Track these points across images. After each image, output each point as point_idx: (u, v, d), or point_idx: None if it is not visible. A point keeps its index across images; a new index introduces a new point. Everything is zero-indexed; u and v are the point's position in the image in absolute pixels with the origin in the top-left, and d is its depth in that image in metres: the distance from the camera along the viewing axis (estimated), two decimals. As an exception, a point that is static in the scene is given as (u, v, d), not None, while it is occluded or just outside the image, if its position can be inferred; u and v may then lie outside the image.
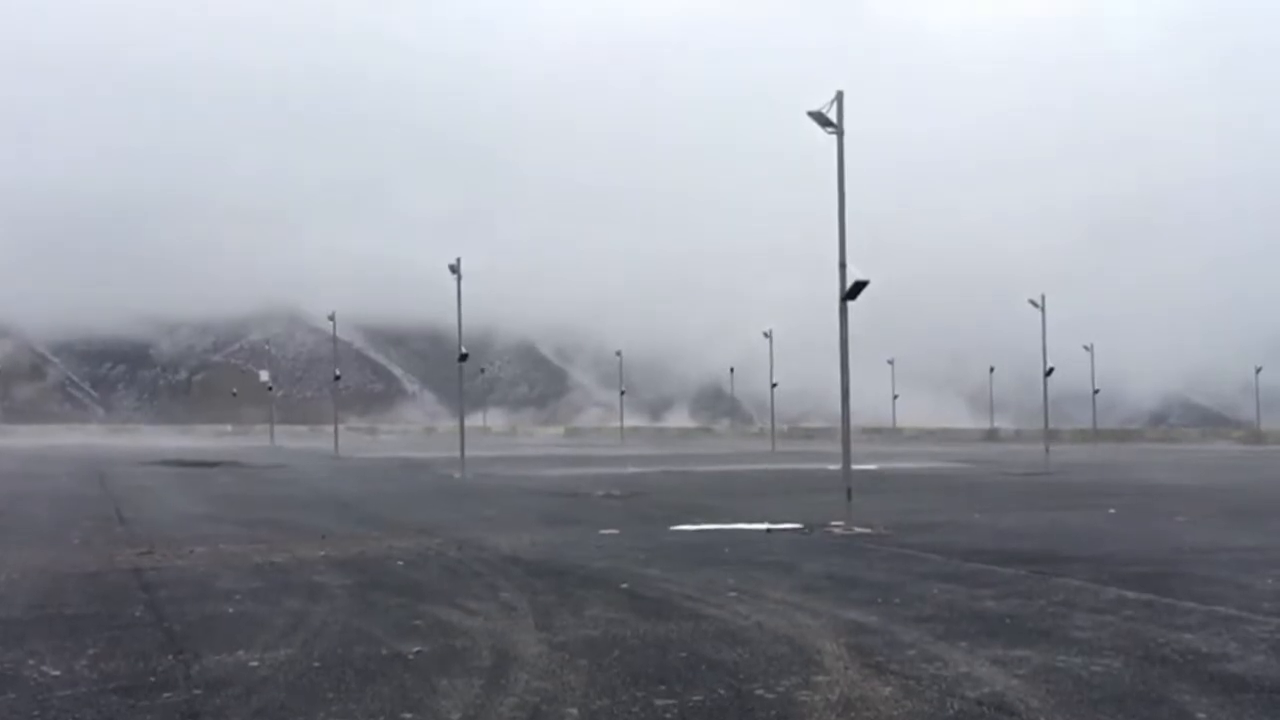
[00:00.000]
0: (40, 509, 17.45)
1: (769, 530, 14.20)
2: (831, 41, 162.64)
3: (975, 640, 7.14)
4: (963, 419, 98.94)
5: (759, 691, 5.84)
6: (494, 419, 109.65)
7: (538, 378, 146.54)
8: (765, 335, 62.47)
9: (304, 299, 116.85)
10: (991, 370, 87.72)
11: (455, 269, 30.57)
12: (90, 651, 6.71)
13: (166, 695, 5.73)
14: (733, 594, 8.95)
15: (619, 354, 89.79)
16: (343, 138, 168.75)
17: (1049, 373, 35.06)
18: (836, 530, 14.07)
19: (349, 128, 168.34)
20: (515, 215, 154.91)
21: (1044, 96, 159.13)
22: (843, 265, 14.97)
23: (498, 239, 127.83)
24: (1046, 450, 35.65)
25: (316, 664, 6.43)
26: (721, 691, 5.84)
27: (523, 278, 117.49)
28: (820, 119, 14.97)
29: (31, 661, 6.42)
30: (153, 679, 6.07)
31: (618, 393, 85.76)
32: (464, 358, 31.63)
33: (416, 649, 6.83)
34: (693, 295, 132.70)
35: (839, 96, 15.07)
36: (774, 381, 62.61)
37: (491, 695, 5.75)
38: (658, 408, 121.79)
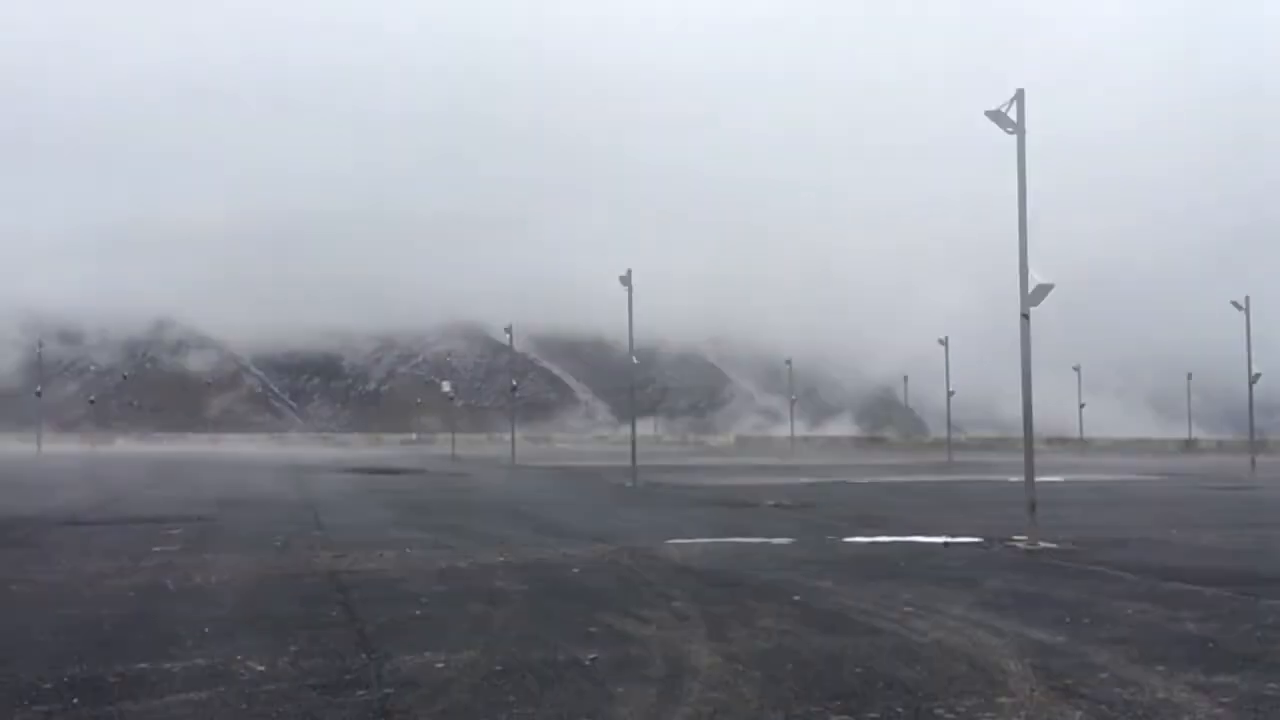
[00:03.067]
0: (245, 514, 18.65)
1: (947, 544, 13.79)
2: (994, 33, 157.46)
3: (1174, 664, 6.74)
4: (1150, 428, 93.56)
5: (939, 711, 5.68)
6: (660, 427, 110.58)
7: (699, 385, 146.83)
8: (941, 342, 60.76)
9: (482, 311, 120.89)
10: (1189, 377, 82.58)
11: (626, 280, 31.06)
12: (291, 649, 7.13)
13: (360, 693, 6.03)
14: (909, 609, 8.74)
15: (789, 362, 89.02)
16: (510, 150, 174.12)
17: (1255, 379, 32.72)
18: (1019, 545, 13.54)
19: (515, 140, 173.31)
20: (675, 221, 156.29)
21: (1224, 87, 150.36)
22: (1024, 269, 14.41)
23: (660, 246, 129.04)
24: (1253, 462, 33.24)
25: (498, 667, 6.64)
26: (899, 709, 5.72)
27: (684, 285, 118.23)
28: (999, 118, 14.47)
29: (239, 657, 6.88)
30: (348, 677, 6.41)
31: (778, 399, 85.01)
32: (633, 368, 32.03)
33: (593, 655, 6.97)
34: (856, 298, 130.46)
35: (1019, 95, 14.53)
36: (950, 389, 60.78)
37: (666, 704, 5.80)
38: (820, 415, 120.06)
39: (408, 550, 12.96)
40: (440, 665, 6.68)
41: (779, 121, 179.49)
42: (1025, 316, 14.42)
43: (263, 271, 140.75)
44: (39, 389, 78.44)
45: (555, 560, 12.00)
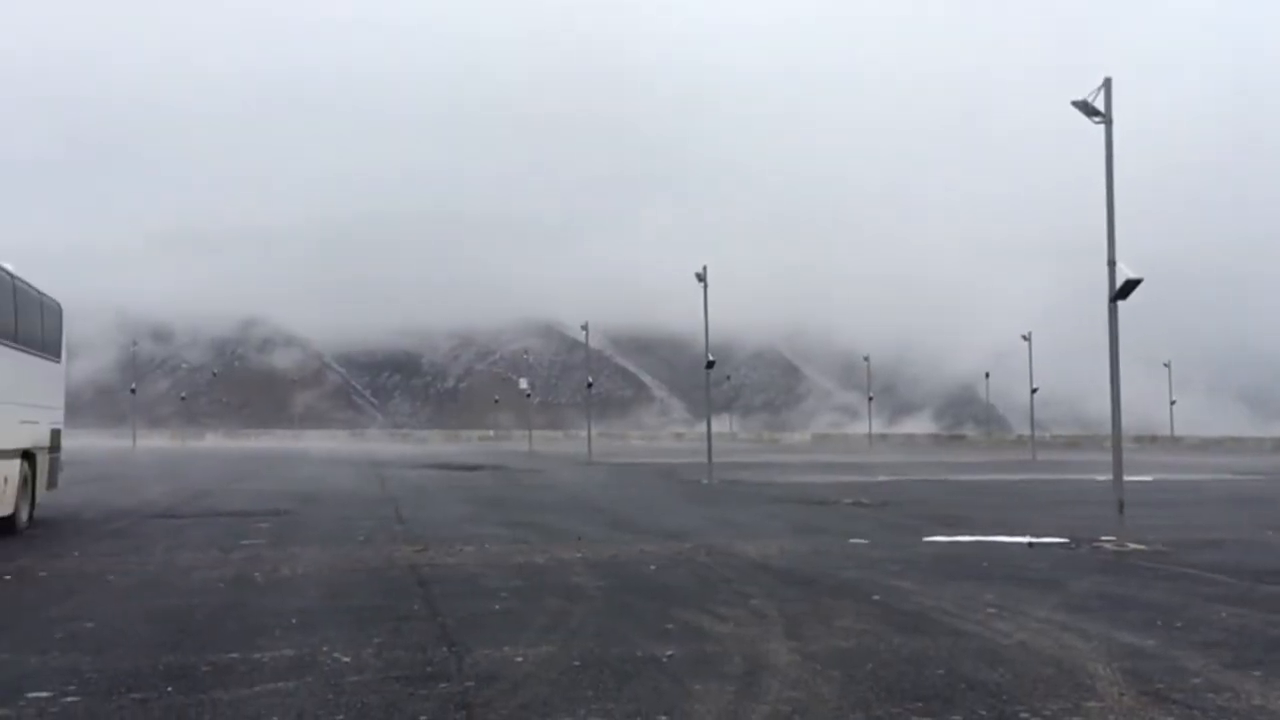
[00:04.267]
0: (328, 509, 19.04)
1: (1031, 544, 13.50)
2: (1080, 20, 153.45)
3: (1272, 669, 6.51)
4: (1243, 426, 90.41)
5: (1024, 715, 5.56)
6: (735, 424, 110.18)
7: (775, 382, 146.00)
8: (1024, 338, 59.53)
9: (558, 309, 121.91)
10: (1287, 372, 79.61)
11: (701, 277, 31.00)
12: (375, 641, 7.27)
13: (442, 686, 6.12)
14: (992, 610, 8.58)
15: (866, 359, 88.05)
16: (587, 150, 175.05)
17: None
18: (1107, 546, 13.20)
19: (592, 140, 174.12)
20: (752, 218, 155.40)
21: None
22: (1111, 263, 14.03)
23: (736, 243, 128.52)
24: (1355, 461, 31.94)
25: (576, 662, 6.68)
26: (983, 712, 5.61)
27: (760, 281, 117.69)
28: (1086, 108, 14.11)
29: (325, 648, 7.03)
30: (429, 669, 6.51)
31: (855, 396, 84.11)
32: (711, 365, 31.98)
33: (670, 652, 6.97)
34: (937, 294, 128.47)
35: (1106, 84, 14.16)
36: (1034, 386, 59.52)
37: (744, 702, 5.78)
38: (898, 412, 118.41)
39: (486, 545, 13.11)
40: (519, 660, 6.75)
41: (857, 117, 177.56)
42: (1113, 304, 14.05)
43: (346, 271, 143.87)
44: (133, 386, 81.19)
45: (631, 557, 12.04)
